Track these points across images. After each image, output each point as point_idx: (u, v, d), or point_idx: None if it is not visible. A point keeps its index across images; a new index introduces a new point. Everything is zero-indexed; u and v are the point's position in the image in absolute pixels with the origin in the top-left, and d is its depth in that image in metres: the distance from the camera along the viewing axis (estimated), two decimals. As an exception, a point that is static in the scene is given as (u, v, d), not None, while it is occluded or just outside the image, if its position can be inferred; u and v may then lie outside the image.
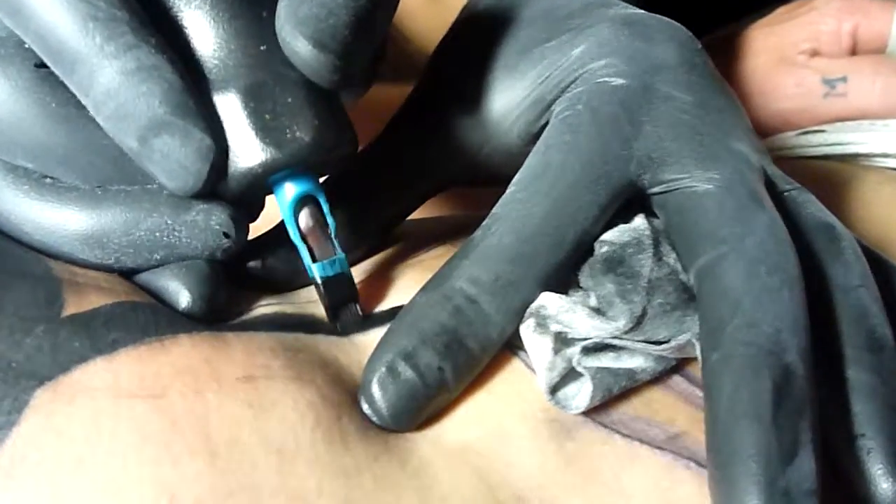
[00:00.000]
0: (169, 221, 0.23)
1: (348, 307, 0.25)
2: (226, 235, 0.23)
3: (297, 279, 0.27)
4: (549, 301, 0.23)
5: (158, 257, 0.23)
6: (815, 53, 0.51)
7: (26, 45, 0.22)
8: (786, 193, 0.26)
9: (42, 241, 0.23)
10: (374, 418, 0.21)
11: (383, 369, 0.22)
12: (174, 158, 0.21)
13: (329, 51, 0.22)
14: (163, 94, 0.21)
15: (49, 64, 0.22)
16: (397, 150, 0.29)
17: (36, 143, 0.22)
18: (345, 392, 0.22)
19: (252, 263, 0.26)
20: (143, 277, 0.24)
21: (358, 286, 0.25)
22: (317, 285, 0.24)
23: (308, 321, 0.25)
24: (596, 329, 0.23)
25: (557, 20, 0.28)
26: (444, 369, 0.22)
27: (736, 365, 0.21)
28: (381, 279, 0.27)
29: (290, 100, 0.22)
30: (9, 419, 0.18)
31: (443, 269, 0.24)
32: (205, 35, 0.22)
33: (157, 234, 0.23)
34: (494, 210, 0.25)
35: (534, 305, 0.23)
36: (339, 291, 0.24)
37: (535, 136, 0.28)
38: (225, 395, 0.20)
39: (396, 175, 0.29)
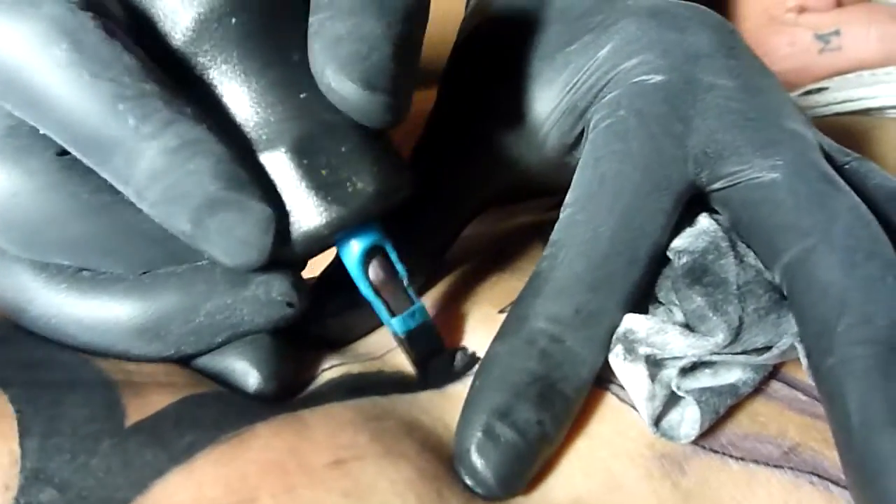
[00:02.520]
0: (229, 301, 0.21)
1: (436, 358, 0.23)
2: (289, 305, 0.21)
3: (351, 333, 0.25)
4: (635, 324, 0.21)
5: (221, 339, 0.21)
6: (802, 9, 0.50)
7: (41, 132, 0.20)
8: (846, 166, 0.25)
9: (90, 342, 0.21)
10: (479, 489, 0.20)
11: (479, 434, 0.20)
12: (233, 236, 0.19)
13: (380, 90, 0.19)
14: (212, 169, 0.19)
15: (77, 154, 0.19)
16: (437, 176, 0.27)
17: (72, 237, 0.20)
18: (437, 460, 0.20)
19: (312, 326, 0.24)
20: (203, 360, 0.22)
21: None
22: (400, 341, 0.23)
23: (379, 380, 0.23)
24: (693, 347, 0.21)
25: (574, 20, 0.26)
26: (544, 421, 0.20)
27: (859, 369, 0.19)
28: (444, 320, 0.25)
29: (343, 149, 0.20)
30: (90, 557, 0.17)
31: (515, 310, 0.22)
32: (238, 92, 0.20)
33: (219, 316, 0.21)
34: (554, 237, 0.23)
35: (620, 331, 0.22)
36: (424, 343, 0.23)
37: (570, 147, 0.26)
38: (318, 488, 0.18)
39: (441, 202, 0.27)
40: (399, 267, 0.22)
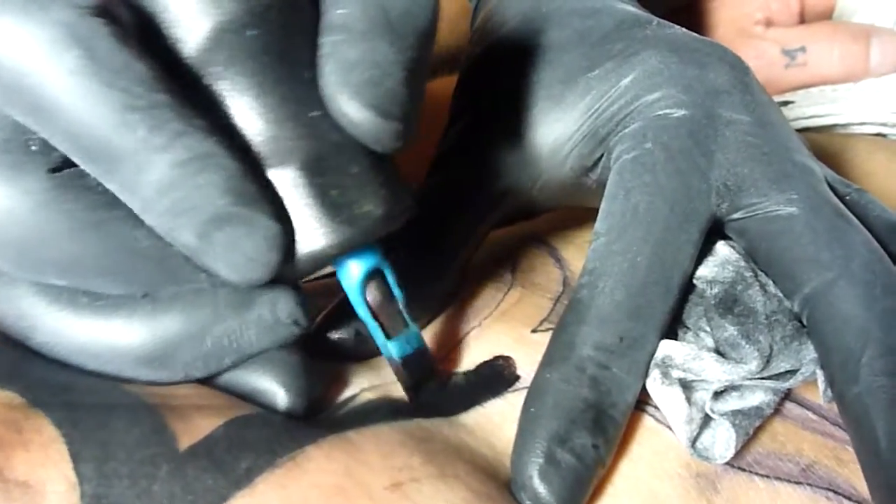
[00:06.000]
0: (234, 325, 0.20)
1: (429, 384, 0.23)
2: (296, 324, 0.21)
3: (364, 348, 0.25)
4: (673, 350, 0.22)
5: (229, 362, 0.21)
6: (769, 23, 0.52)
7: (34, 148, 0.19)
8: (847, 198, 0.26)
9: (98, 369, 0.20)
10: None
11: (541, 461, 0.20)
12: (239, 251, 0.18)
13: (393, 117, 0.19)
14: (222, 184, 0.18)
15: (80, 164, 0.18)
16: (451, 198, 0.27)
17: (68, 256, 0.19)
18: (487, 480, 0.20)
19: (325, 339, 0.24)
20: (225, 379, 0.21)
21: (447, 346, 0.23)
22: (394, 365, 0.22)
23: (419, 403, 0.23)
24: (728, 374, 0.22)
25: (595, 45, 0.27)
26: (599, 446, 0.21)
27: (885, 398, 0.21)
28: (477, 336, 0.25)
29: (354, 170, 0.20)
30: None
31: (560, 336, 0.23)
32: (250, 106, 0.19)
33: (225, 340, 0.20)
34: (590, 265, 0.23)
35: (657, 357, 0.22)
36: (418, 368, 0.22)
37: (588, 169, 0.27)
38: (380, 512, 0.18)
39: (454, 225, 0.27)
40: (396, 290, 0.22)
